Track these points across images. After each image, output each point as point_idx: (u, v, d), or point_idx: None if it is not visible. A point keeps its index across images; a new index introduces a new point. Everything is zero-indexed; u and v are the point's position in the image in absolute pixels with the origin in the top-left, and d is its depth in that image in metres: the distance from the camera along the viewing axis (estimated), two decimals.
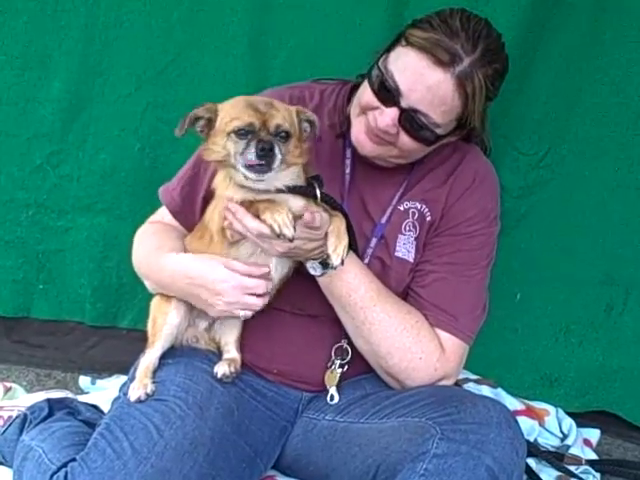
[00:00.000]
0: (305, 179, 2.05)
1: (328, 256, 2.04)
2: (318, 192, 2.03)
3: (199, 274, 2.11)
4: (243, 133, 1.93)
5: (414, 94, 2.05)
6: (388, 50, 2.14)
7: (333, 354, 2.27)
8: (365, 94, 2.14)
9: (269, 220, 1.93)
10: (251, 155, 1.90)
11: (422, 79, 2.04)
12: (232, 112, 1.97)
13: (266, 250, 2.05)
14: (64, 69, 2.95)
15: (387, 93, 2.08)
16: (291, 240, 1.94)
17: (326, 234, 2.03)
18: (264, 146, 1.89)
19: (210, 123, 2.00)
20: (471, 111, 2.10)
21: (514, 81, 2.82)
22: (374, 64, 2.14)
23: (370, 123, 2.13)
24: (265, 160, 1.90)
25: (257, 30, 2.89)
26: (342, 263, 2.04)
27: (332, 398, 2.25)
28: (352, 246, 2.12)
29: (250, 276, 2.07)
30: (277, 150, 1.91)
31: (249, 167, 1.92)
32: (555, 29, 2.80)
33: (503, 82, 2.19)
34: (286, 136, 1.96)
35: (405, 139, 2.11)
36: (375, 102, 2.11)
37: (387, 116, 2.08)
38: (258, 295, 2.08)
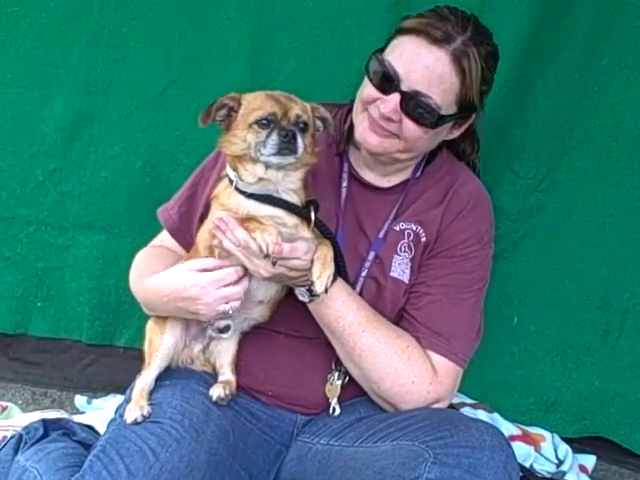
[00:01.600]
0: (303, 201, 2.07)
1: (312, 283, 2.04)
2: (313, 216, 2.05)
3: (171, 288, 2.12)
4: (265, 123, 1.96)
5: (413, 75, 2.08)
6: (383, 47, 2.18)
7: (333, 366, 2.27)
8: (365, 88, 2.17)
9: (259, 239, 1.95)
10: (273, 142, 1.94)
11: (419, 59, 2.08)
12: (253, 103, 2.00)
13: (252, 272, 2.06)
14: (67, 88, 2.99)
15: (387, 81, 2.11)
16: (274, 263, 1.97)
17: (312, 261, 2.04)
18: (287, 133, 1.94)
19: (230, 114, 2.02)
20: (469, 89, 2.12)
21: (512, 106, 2.85)
22: (370, 58, 2.17)
23: (373, 115, 2.15)
24: (288, 147, 1.94)
25: (258, 51, 2.92)
26: (326, 291, 2.05)
27: (334, 410, 2.26)
28: (341, 273, 2.13)
29: (220, 268, 2.07)
30: (300, 138, 1.96)
31: (273, 154, 1.95)
32: (553, 55, 2.83)
33: (497, 66, 2.21)
34: (305, 127, 2.00)
35: (409, 125, 2.12)
36: (376, 93, 2.13)
37: (389, 103, 2.10)
38: (234, 283, 2.07)
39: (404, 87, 2.09)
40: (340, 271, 2.12)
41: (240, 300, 2.09)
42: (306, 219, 2.05)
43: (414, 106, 2.09)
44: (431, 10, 2.15)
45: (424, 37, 2.08)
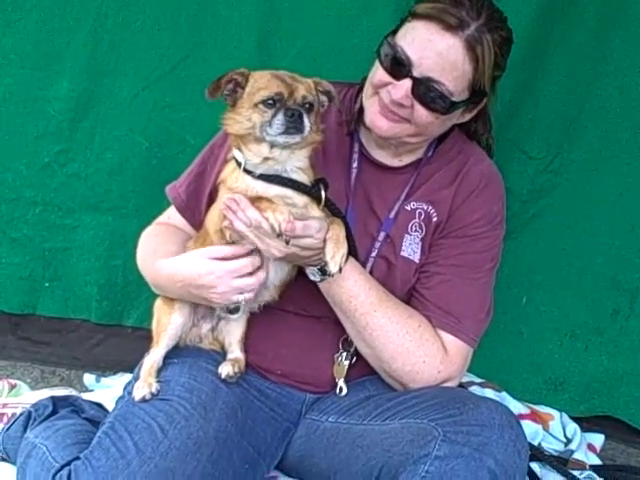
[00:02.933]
0: (312, 180, 2.06)
1: (326, 263, 2.03)
2: (323, 194, 2.03)
3: (185, 274, 2.11)
4: (271, 103, 1.95)
5: (425, 62, 2.05)
6: (395, 30, 2.15)
7: (340, 346, 2.27)
8: (377, 72, 2.14)
9: (271, 219, 1.94)
10: (280, 122, 1.93)
11: (432, 45, 2.05)
12: (259, 83, 1.99)
13: (264, 252, 2.05)
14: (73, 68, 2.97)
15: (398, 66, 2.08)
16: (287, 242, 1.95)
17: (325, 241, 2.03)
18: (293, 113, 1.94)
19: (236, 89, 2.01)
20: (481, 75, 2.10)
21: (523, 85, 2.83)
22: (382, 42, 2.14)
23: (384, 100, 2.13)
24: (295, 126, 1.93)
25: (264, 32, 2.90)
26: (340, 271, 2.04)
27: (341, 390, 2.26)
28: (352, 252, 2.12)
29: (235, 257, 2.06)
30: (306, 118, 1.95)
31: (279, 134, 1.94)
32: (563, 34, 2.80)
33: (510, 52, 2.19)
34: (310, 107, 1.99)
35: (420, 111, 2.10)
36: (387, 78, 2.11)
37: (401, 88, 2.08)
38: (250, 274, 2.07)
39: (416, 73, 2.07)
40: (350, 250, 2.11)
41: (254, 291, 2.08)
42: (316, 198, 2.04)
43: (426, 92, 2.07)
44: None
45: (437, 23, 2.04)
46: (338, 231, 2.04)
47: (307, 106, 1.98)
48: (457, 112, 2.18)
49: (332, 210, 2.09)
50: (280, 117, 1.94)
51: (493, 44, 2.08)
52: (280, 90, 1.95)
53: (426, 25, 2.06)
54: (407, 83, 2.07)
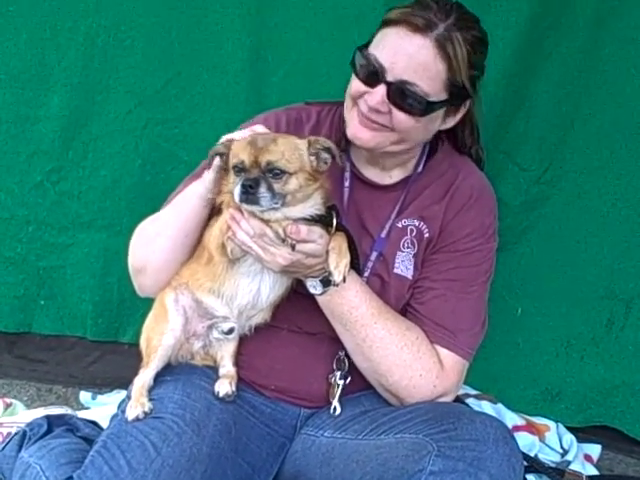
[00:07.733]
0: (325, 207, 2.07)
1: (330, 273, 2.04)
2: (335, 221, 2.04)
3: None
4: (237, 170, 1.96)
5: (397, 65, 2.06)
6: (368, 41, 2.16)
7: (334, 366, 2.26)
8: (353, 83, 2.16)
9: (275, 225, 1.95)
10: (237, 192, 1.93)
11: (401, 48, 2.06)
12: (234, 149, 2.00)
13: (268, 263, 2.05)
14: (64, 86, 2.97)
15: (372, 74, 2.09)
16: (293, 247, 1.96)
17: (327, 251, 2.03)
18: (245, 183, 1.92)
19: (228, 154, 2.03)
20: (457, 74, 2.09)
21: (515, 97, 2.85)
22: (355, 53, 2.15)
23: (362, 110, 2.13)
24: (248, 197, 1.92)
25: (256, 47, 2.91)
26: (344, 280, 2.04)
27: (334, 410, 2.25)
28: (353, 264, 2.12)
29: None
30: (263, 187, 1.92)
31: (240, 202, 1.94)
32: (554, 45, 2.81)
33: (487, 52, 2.18)
34: (280, 173, 1.95)
35: (398, 115, 2.10)
36: (363, 87, 2.12)
37: (376, 94, 2.09)
38: None
39: (389, 77, 2.07)
40: (353, 262, 2.11)
41: None
42: (326, 224, 2.04)
43: (401, 95, 2.08)
44: (415, 1, 2.12)
45: (405, 26, 2.06)
46: (340, 241, 2.05)
47: (276, 171, 1.94)
48: (437, 114, 2.16)
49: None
50: (237, 187, 1.93)
51: (464, 42, 2.08)
52: (242, 158, 1.95)
53: (395, 29, 2.08)
54: (382, 89, 2.08)
